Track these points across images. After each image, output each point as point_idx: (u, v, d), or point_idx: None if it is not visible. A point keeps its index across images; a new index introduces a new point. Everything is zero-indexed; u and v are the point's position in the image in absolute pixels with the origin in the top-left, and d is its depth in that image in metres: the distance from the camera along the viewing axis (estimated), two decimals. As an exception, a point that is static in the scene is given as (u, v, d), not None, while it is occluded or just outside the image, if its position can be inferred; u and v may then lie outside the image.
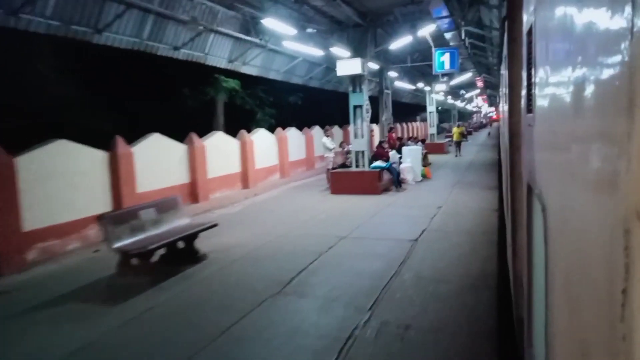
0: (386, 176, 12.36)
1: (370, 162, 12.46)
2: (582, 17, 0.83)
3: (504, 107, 6.15)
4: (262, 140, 14.95)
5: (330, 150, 13.82)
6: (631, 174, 0.55)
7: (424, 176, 14.35)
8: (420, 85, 26.09)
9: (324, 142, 14.12)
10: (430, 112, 26.50)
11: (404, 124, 36.11)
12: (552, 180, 1.30)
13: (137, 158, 9.40)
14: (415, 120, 44.73)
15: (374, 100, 19.09)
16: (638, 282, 0.54)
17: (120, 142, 8.99)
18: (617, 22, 0.60)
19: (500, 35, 9.52)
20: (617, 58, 0.60)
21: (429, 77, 23.82)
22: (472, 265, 5.70)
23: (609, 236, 0.64)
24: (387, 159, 12.89)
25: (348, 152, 13.39)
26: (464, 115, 64.41)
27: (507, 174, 4.06)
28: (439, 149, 24.63)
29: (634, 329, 0.55)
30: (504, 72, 5.00)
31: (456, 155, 21.81)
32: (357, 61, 11.71)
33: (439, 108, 45.23)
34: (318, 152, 17.39)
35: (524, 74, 2.18)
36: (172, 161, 10.74)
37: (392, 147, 15.51)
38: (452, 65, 14.85)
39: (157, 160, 10.17)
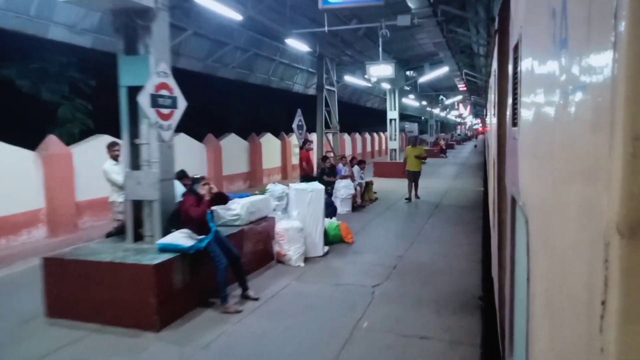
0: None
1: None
2: (565, 35, 0.88)
3: (491, 119, 6.46)
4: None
5: (119, 189, 6.22)
6: (611, 188, 0.57)
7: (338, 240, 7.84)
8: (385, 85, 19.27)
9: (105, 171, 6.55)
10: (391, 120, 19.31)
11: (367, 135, 32.41)
12: (535, 193, 1.36)
13: None
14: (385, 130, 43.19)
15: (311, 100, 17.35)
16: (617, 295, 0.57)
17: None
18: (598, 41, 0.64)
19: (490, 49, 10.00)
20: (598, 76, 0.63)
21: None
22: None
23: (589, 249, 0.67)
24: (330, 194, 10.12)
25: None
26: (447, 127, 64.52)
27: (494, 184, 4.23)
28: (395, 171, 16.48)
29: (612, 341, 0.57)
30: (492, 84, 5.26)
31: (408, 200, 12.84)
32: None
33: (422, 118, 45.24)
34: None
35: (510, 88, 2.29)
36: None
37: (306, 174, 11.27)
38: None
39: None
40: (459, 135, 66.59)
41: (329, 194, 10.60)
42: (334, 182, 11.05)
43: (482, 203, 11.50)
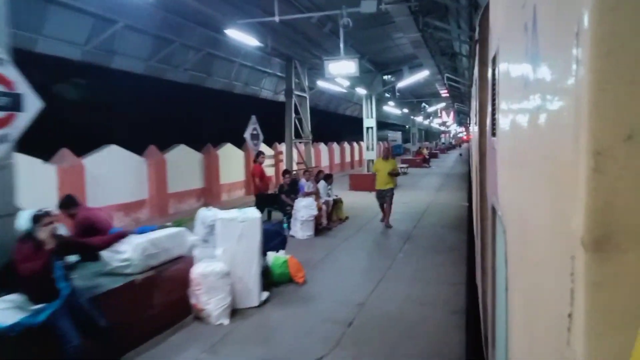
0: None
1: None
2: (536, 49, 0.92)
3: (473, 127, 6.40)
4: None
5: None
6: (577, 202, 0.60)
7: (286, 280, 6.29)
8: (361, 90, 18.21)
9: None
10: (368, 128, 18.20)
11: (346, 145, 30.82)
12: (512, 204, 1.42)
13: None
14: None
15: (282, 107, 15.87)
16: (582, 308, 0.59)
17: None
18: (564, 57, 0.67)
19: (471, 57, 9.65)
20: (564, 91, 0.68)
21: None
22: None
23: (558, 262, 0.70)
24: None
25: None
26: (431, 135, 63.73)
27: (476, 192, 4.27)
28: (373, 185, 13.73)
29: (578, 353, 0.60)
30: (474, 93, 5.14)
31: (384, 223, 10.45)
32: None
33: (407, 127, 44.01)
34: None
35: (489, 99, 2.35)
36: None
37: (260, 193, 9.91)
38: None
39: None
40: (443, 143, 66.20)
41: (288, 214, 9.57)
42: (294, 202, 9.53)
43: (467, 221, 10.19)
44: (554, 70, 0.76)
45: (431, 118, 44.78)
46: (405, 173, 25.36)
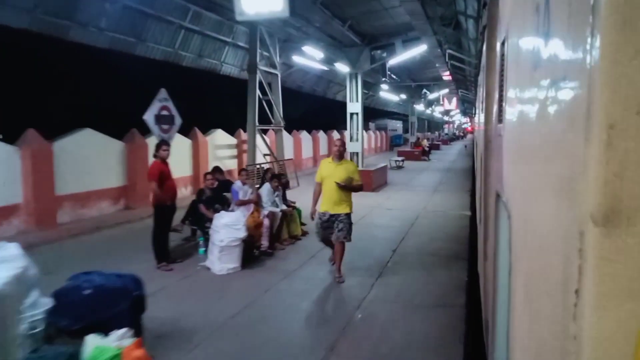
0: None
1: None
2: (548, 33, 0.96)
3: (479, 115, 6.34)
4: None
5: None
6: (586, 178, 0.62)
7: None
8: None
9: None
10: (352, 114, 15.55)
11: (336, 134, 26.06)
12: (518, 188, 1.46)
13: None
14: (366, 129, 37.94)
15: (246, 86, 13.40)
16: (590, 283, 0.61)
17: None
18: (577, 34, 0.70)
19: (479, 44, 8.62)
20: (577, 68, 0.69)
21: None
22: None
23: (565, 239, 0.73)
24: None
25: None
26: (433, 126, 60.30)
27: (481, 180, 4.46)
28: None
29: (584, 328, 0.62)
30: (481, 81, 5.17)
31: (334, 269, 6.15)
32: None
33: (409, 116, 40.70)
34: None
35: (497, 84, 2.42)
36: None
37: (157, 200, 6.39)
38: None
39: None
40: (446, 134, 63.19)
41: (207, 235, 6.92)
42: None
43: (469, 244, 7.86)
44: (567, 49, 0.79)
45: (433, 106, 41.40)
46: (400, 167, 22.28)
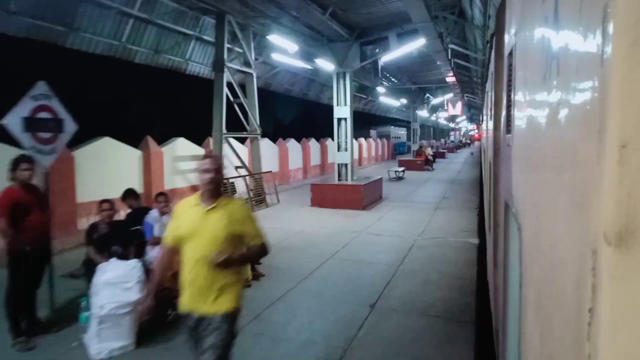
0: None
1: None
2: (557, 44, 0.97)
3: (488, 123, 6.26)
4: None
5: None
6: (599, 196, 0.62)
7: None
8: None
9: None
10: (339, 120, 13.55)
11: (330, 142, 23.54)
12: (527, 200, 1.48)
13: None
14: (367, 136, 35.52)
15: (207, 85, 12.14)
16: (604, 302, 0.61)
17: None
18: (588, 50, 0.70)
19: (487, 52, 7.92)
20: (588, 84, 0.70)
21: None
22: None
23: (578, 257, 0.73)
24: None
25: None
26: (439, 133, 58.31)
27: (489, 188, 4.49)
28: (343, 199, 12.33)
29: (599, 348, 0.62)
30: (489, 89, 5.18)
31: None
32: None
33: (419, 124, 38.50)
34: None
35: (505, 94, 2.43)
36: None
37: (12, 245, 4.31)
38: None
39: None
40: (452, 142, 61.43)
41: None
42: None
43: (477, 293, 5.93)
44: (577, 64, 0.79)
45: (438, 112, 39.28)
46: (400, 178, 20.19)
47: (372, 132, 43.67)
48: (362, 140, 31.45)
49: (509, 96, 2.15)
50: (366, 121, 40.63)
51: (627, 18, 0.57)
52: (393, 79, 24.85)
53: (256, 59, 15.41)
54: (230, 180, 11.92)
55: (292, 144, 20.48)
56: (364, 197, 12.64)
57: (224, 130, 11.66)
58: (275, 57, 13.64)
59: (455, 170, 26.67)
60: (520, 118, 1.69)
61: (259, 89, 13.55)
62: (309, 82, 21.60)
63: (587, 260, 0.65)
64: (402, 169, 22.53)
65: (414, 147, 30.45)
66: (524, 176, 1.58)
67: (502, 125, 2.69)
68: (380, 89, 23.23)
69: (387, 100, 27.07)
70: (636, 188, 0.58)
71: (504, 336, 2.28)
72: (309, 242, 8.71)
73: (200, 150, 13.53)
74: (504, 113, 2.50)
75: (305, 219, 11.17)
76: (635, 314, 0.59)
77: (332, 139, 27.24)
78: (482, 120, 19.35)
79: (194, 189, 11.22)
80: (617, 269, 0.59)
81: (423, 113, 35.73)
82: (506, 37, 2.50)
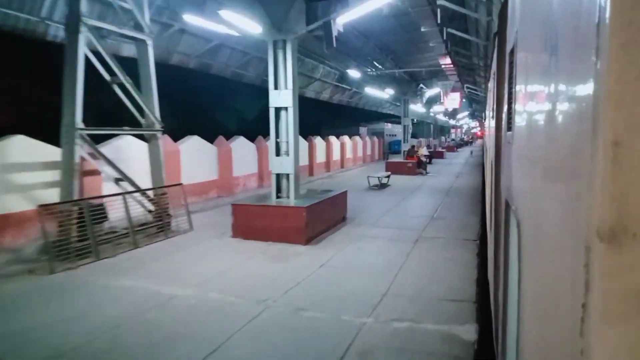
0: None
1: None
2: (554, 43, 0.98)
3: (490, 122, 6.26)
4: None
5: None
6: (593, 193, 0.63)
7: None
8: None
9: None
10: (277, 110, 9.27)
11: (318, 140, 22.55)
12: (526, 198, 1.48)
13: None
14: (354, 134, 31.54)
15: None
16: (596, 298, 0.62)
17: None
18: (583, 50, 0.70)
19: (490, 50, 8.63)
20: (583, 83, 0.71)
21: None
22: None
23: (572, 253, 0.74)
24: None
25: None
26: (439, 131, 54.06)
27: (491, 186, 4.43)
28: (275, 225, 8.63)
29: (592, 344, 0.63)
30: (491, 87, 5.12)
31: None
32: None
33: (413, 120, 34.05)
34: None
35: (506, 91, 2.44)
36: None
37: None
38: None
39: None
40: (452, 140, 57.38)
41: None
42: None
43: None
44: (572, 64, 0.80)
45: (433, 106, 34.75)
46: (384, 185, 16.43)
47: (362, 130, 39.60)
48: (346, 138, 27.55)
49: (510, 93, 2.22)
50: (354, 117, 36.62)
51: (620, 18, 0.58)
52: (376, 63, 20.65)
53: (166, 24, 11.26)
54: (97, 202, 7.80)
55: (240, 144, 15.85)
56: (307, 224, 8.54)
57: (79, 125, 7.49)
58: (187, 18, 9.49)
59: (453, 173, 22.91)
60: (520, 116, 1.73)
61: (193, 72, 9.59)
62: (267, 64, 17.24)
63: (580, 256, 0.67)
64: (387, 174, 18.67)
65: (405, 147, 25.73)
66: (523, 173, 1.62)
67: (503, 122, 2.76)
68: (352, 73, 18.49)
69: (371, 90, 22.64)
70: (629, 186, 0.60)
71: (503, 334, 2.31)
72: (160, 335, 4.54)
73: (55, 153, 8.05)
74: (505, 110, 2.57)
75: (204, 264, 7.07)
76: (627, 310, 0.60)
77: (323, 138, 23.62)
78: (485, 118, 18.22)
79: (40, 213, 6.98)
80: (610, 266, 0.61)
81: (418, 107, 31.41)
82: (508, 35, 2.59)
